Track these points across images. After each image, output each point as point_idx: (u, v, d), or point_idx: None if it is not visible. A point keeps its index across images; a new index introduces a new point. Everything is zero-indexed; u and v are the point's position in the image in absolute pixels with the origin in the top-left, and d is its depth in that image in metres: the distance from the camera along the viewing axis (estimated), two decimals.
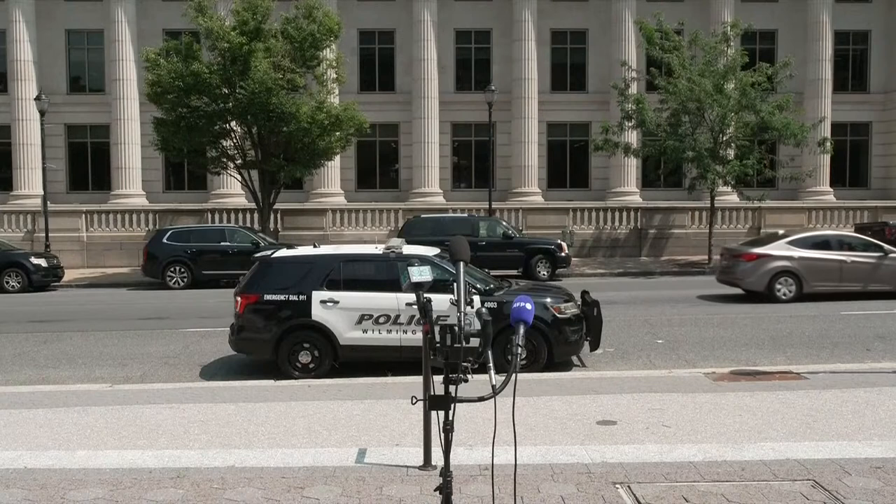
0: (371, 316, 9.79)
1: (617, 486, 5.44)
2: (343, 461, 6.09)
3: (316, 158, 24.71)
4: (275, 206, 26.01)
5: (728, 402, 7.69)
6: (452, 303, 3.57)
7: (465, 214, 25.81)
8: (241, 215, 28.39)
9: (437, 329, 3.43)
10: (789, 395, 7.92)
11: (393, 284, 9.62)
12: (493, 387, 3.24)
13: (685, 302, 16.83)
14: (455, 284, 3.56)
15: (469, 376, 3.34)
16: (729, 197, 28.66)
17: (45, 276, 22.54)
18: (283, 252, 11.08)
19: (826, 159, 31.39)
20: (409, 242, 12.54)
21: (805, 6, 33.18)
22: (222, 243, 22.82)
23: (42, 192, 27.70)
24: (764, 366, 9.84)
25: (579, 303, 10.55)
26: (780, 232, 18.59)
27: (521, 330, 3.32)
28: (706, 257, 25.20)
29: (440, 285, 8.50)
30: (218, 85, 22.89)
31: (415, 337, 9.44)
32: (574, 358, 10.52)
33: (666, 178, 32.05)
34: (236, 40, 22.31)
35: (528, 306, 3.34)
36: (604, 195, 32.39)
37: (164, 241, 22.73)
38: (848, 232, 20.50)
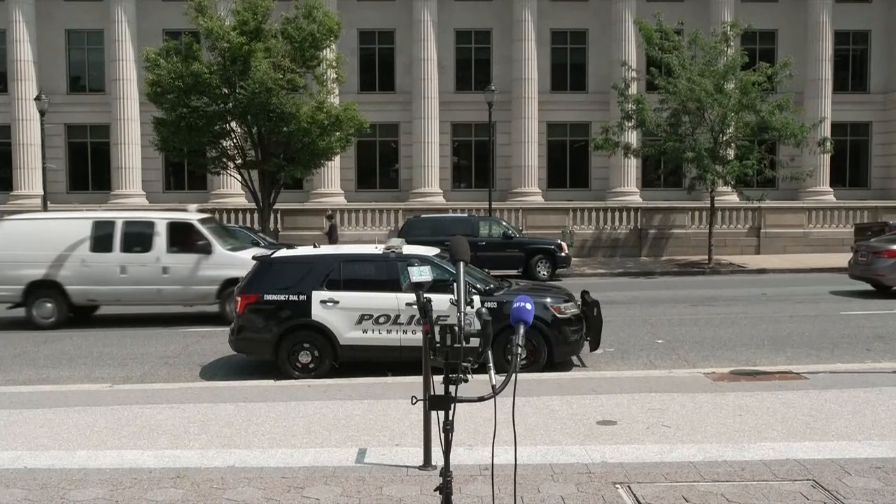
0: (371, 316, 9.80)
1: (617, 486, 5.44)
2: (343, 461, 6.09)
3: (316, 158, 24.68)
4: (275, 206, 25.98)
5: (728, 402, 7.69)
6: (452, 303, 3.57)
7: (465, 214, 25.77)
8: (241, 215, 28.38)
9: (437, 329, 3.43)
10: (789, 395, 7.92)
11: (393, 284, 9.60)
12: (493, 387, 3.24)
13: (685, 302, 16.83)
14: (455, 284, 3.56)
15: (469, 376, 3.34)
16: (729, 197, 28.65)
17: None
18: (283, 252, 11.09)
19: (826, 159, 31.38)
20: (409, 242, 12.52)
21: (805, 6, 33.16)
22: None
23: (42, 192, 27.71)
24: (764, 366, 9.84)
25: (579, 303, 10.55)
26: None
27: (521, 330, 3.32)
28: (706, 257, 25.19)
29: (440, 285, 8.49)
30: (218, 85, 22.85)
31: (415, 337, 9.44)
32: (574, 358, 10.52)
33: (666, 178, 32.06)
34: (236, 40, 22.29)
35: (528, 306, 3.34)
36: (604, 195, 32.37)
37: None
38: None
